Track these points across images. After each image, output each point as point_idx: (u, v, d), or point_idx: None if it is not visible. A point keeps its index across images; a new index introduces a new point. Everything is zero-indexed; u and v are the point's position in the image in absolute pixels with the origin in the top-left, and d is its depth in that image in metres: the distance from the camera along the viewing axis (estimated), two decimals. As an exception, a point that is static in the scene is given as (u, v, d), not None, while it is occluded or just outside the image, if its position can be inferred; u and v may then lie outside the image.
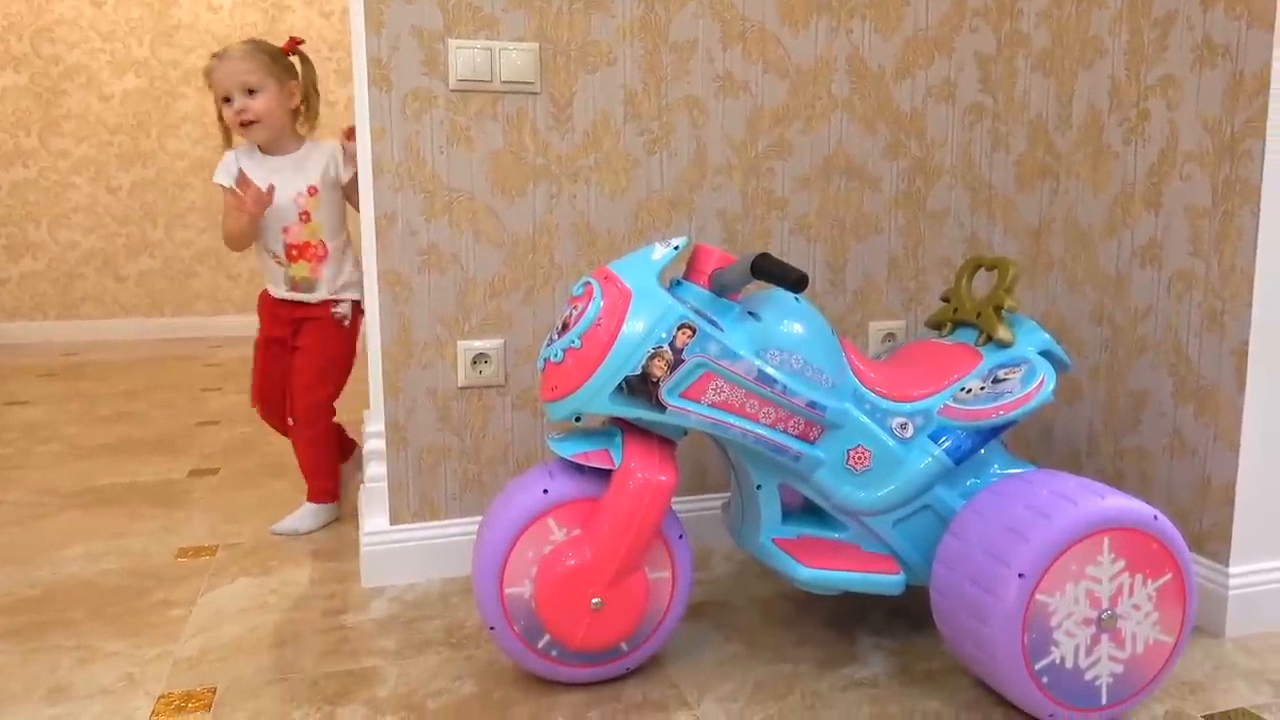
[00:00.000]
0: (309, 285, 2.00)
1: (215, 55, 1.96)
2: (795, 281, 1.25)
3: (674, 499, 1.88)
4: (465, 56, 1.67)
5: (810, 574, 1.36)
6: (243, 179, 1.90)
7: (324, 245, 1.99)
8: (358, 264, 2.01)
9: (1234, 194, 1.49)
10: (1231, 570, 1.53)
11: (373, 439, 1.78)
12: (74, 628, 1.57)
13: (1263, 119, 1.44)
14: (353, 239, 1.99)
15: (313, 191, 1.97)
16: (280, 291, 2.02)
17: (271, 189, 1.92)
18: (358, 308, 2.04)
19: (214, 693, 1.37)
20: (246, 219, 1.92)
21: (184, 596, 1.70)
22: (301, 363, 2.02)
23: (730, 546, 1.93)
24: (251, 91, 1.92)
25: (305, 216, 1.97)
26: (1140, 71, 1.66)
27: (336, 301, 2.02)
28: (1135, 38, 1.66)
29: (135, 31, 4.50)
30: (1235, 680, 1.41)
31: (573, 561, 1.30)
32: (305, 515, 2.04)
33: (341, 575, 1.80)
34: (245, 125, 1.94)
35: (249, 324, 5.11)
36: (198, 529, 2.05)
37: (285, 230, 1.98)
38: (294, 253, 1.99)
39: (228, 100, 1.93)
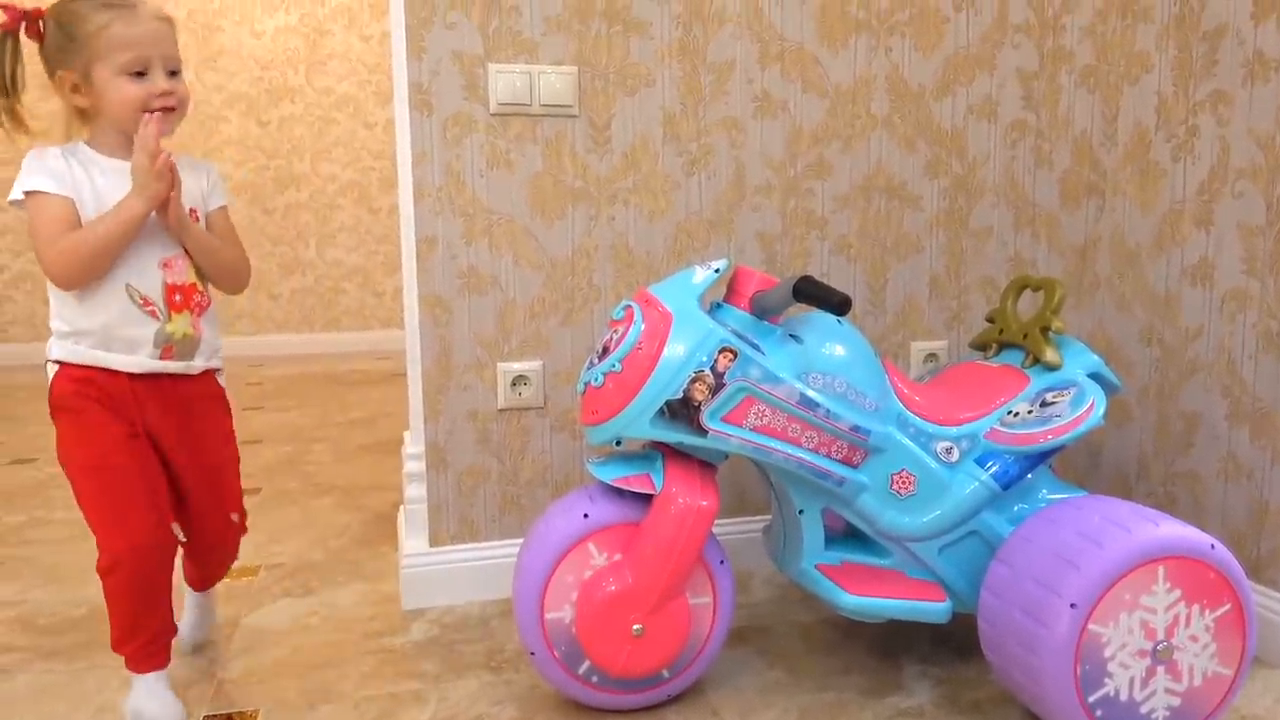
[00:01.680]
0: (188, 349, 1.34)
1: (118, 4, 1.25)
2: (839, 304, 1.24)
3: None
4: (505, 81, 1.68)
5: (855, 601, 1.34)
6: (151, 135, 1.23)
7: (207, 293, 1.37)
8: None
9: (1289, 211, 1.45)
10: (1291, 599, 1.48)
11: (413, 460, 1.78)
12: (120, 648, 1.59)
13: (1319, 135, 1.40)
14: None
15: (194, 216, 1.35)
16: (144, 360, 1.29)
17: (175, 169, 1.27)
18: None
19: (257, 715, 1.38)
20: (141, 209, 1.23)
21: (228, 617, 1.71)
22: (215, 463, 1.42)
23: (771, 570, 1.91)
24: (173, 73, 1.29)
25: (186, 252, 1.33)
26: (1189, 87, 1.62)
27: (218, 370, 1.42)
28: (1183, 52, 1.63)
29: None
30: (1297, 713, 1.36)
31: (613, 587, 1.29)
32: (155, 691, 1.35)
33: (382, 597, 1.81)
34: (165, 113, 1.26)
35: (291, 343, 5.13)
36: (240, 549, 2.07)
37: (166, 265, 1.30)
38: (176, 298, 1.30)
39: (140, 74, 1.24)
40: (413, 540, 1.78)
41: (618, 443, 1.30)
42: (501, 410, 1.77)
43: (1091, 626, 1.16)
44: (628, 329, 1.28)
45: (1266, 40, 1.48)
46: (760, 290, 1.32)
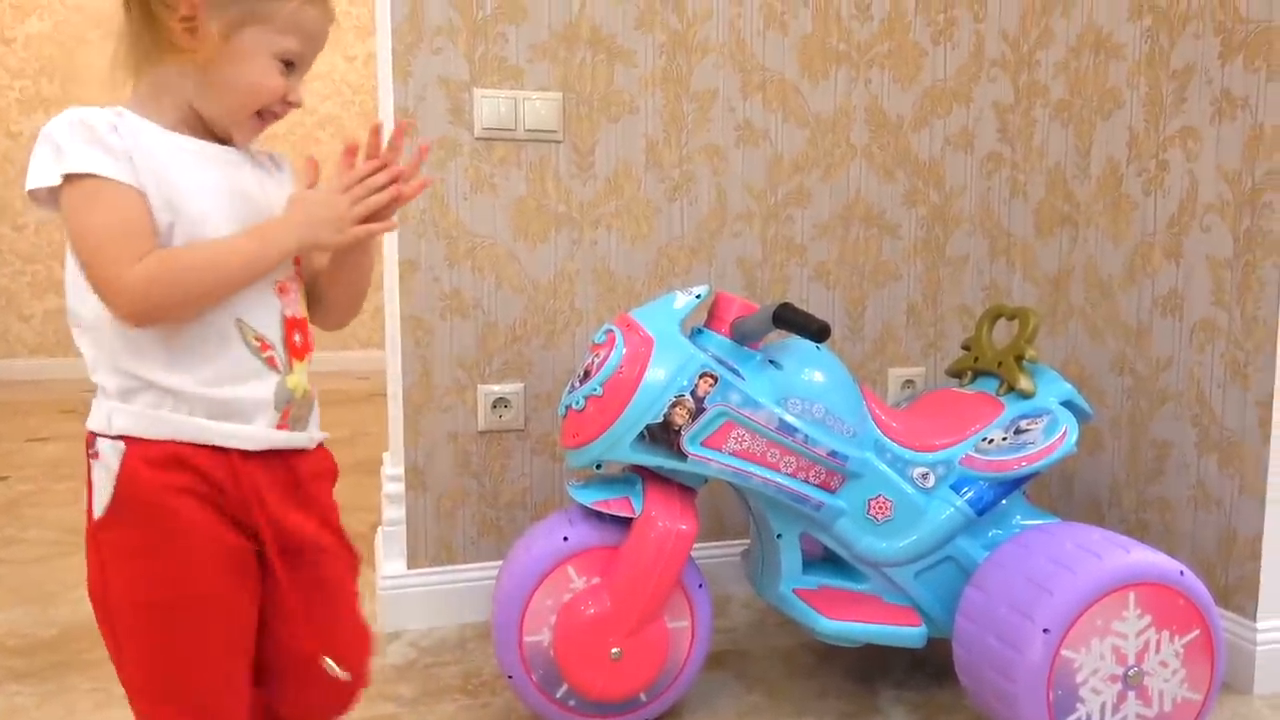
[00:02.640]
0: (305, 413, 0.95)
1: None
2: (817, 332, 1.25)
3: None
4: (490, 106, 1.70)
5: (832, 626, 1.35)
6: (396, 130, 0.96)
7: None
8: None
9: (1256, 245, 1.49)
10: (1259, 625, 1.51)
11: (391, 482, 1.78)
12: (92, 669, 1.57)
13: (1283, 171, 1.44)
14: None
15: None
16: (263, 431, 0.89)
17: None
18: None
19: (230, 739, 1.36)
20: (292, 250, 0.90)
21: (201, 639, 1.70)
22: (327, 576, 0.95)
23: (749, 594, 1.91)
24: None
25: (298, 272, 0.96)
26: (1159, 123, 1.67)
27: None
28: (1154, 89, 1.67)
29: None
30: (1266, 739, 1.38)
31: (592, 610, 1.29)
32: None
33: (358, 619, 1.79)
34: (276, 116, 0.92)
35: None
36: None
37: (282, 290, 0.92)
38: (295, 338, 0.93)
39: (288, 65, 0.89)
40: (390, 562, 1.77)
41: (598, 466, 1.31)
42: (482, 432, 1.78)
43: (1064, 652, 1.18)
44: (609, 353, 1.29)
45: (1233, 80, 1.52)
46: (740, 316, 1.33)
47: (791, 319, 1.27)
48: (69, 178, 0.81)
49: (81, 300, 0.85)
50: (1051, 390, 1.43)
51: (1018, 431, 1.38)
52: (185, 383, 0.85)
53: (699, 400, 1.26)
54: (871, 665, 1.60)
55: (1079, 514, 1.86)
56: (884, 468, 1.37)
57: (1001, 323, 1.84)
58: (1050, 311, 1.94)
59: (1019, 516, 1.42)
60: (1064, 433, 1.35)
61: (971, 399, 1.49)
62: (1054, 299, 1.93)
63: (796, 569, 1.40)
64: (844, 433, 1.34)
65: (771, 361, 1.35)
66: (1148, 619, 1.20)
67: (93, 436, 0.85)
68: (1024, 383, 1.44)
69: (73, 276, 0.86)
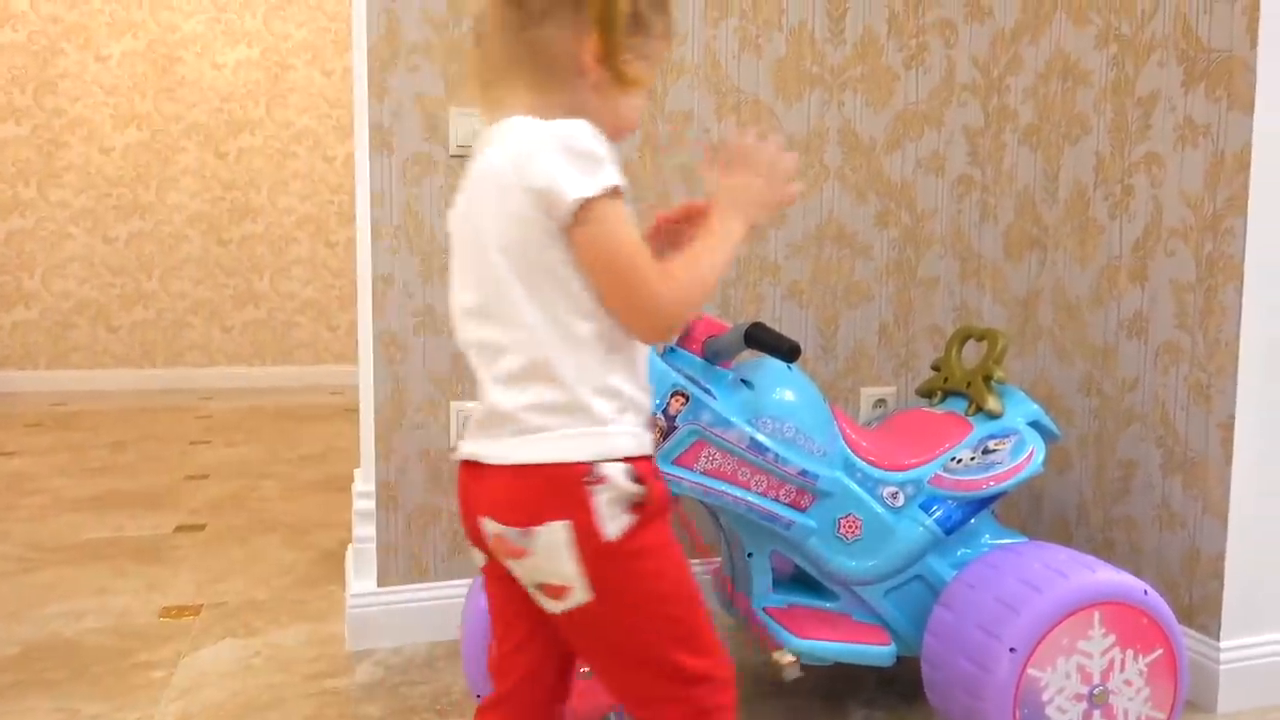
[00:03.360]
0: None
1: None
2: (788, 351, 1.26)
3: (664, 563, 1.87)
4: (466, 124, 1.71)
5: (801, 644, 1.35)
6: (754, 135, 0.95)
7: None
8: None
9: (1218, 270, 1.52)
10: (1222, 644, 1.53)
11: (362, 499, 1.77)
12: (54, 688, 1.54)
13: (1244, 197, 1.48)
14: None
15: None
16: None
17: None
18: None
19: (194, 760, 1.35)
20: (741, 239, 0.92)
21: (166, 658, 1.68)
22: None
23: (721, 613, 1.91)
24: None
25: None
26: (1125, 148, 1.70)
27: None
28: (1119, 116, 1.71)
29: (139, 86, 4.56)
30: (1229, 757, 1.40)
31: (562, 629, 1.29)
32: None
33: (327, 638, 1.78)
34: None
35: (242, 376, 5.06)
36: (183, 587, 2.03)
37: None
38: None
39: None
40: (360, 580, 1.76)
41: (569, 484, 1.31)
42: (454, 449, 1.77)
43: (1030, 670, 1.19)
44: (581, 371, 1.29)
45: (1195, 107, 1.55)
46: (712, 335, 1.34)
47: (763, 338, 1.27)
48: (608, 191, 0.79)
49: (574, 319, 0.82)
50: (1019, 410, 1.45)
51: (986, 451, 1.39)
52: (642, 398, 0.87)
53: (670, 419, 1.27)
54: (841, 684, 1.61)
55: (1047, 533, 1.88)
56: (854, 487, 1.38)
57: (971, 343, 1.86)
58: (1019, 333, 1.97)
59: (987, 536, 1.43)
60: (1031, 453, 1.36)
61: (941, 419, 1.51)
62: (1023, 320, 1.96)
63: (767, 587, 1.41)
64: (814, 452, 1.35)
65: (743, 381, 1.35)
66: (1112, 638, 1.22)
67: (587, 467, 0.82)
68: (992, 403, 1.45)
69: (565, 294, 0.82)
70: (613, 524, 0.83)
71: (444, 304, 1.74)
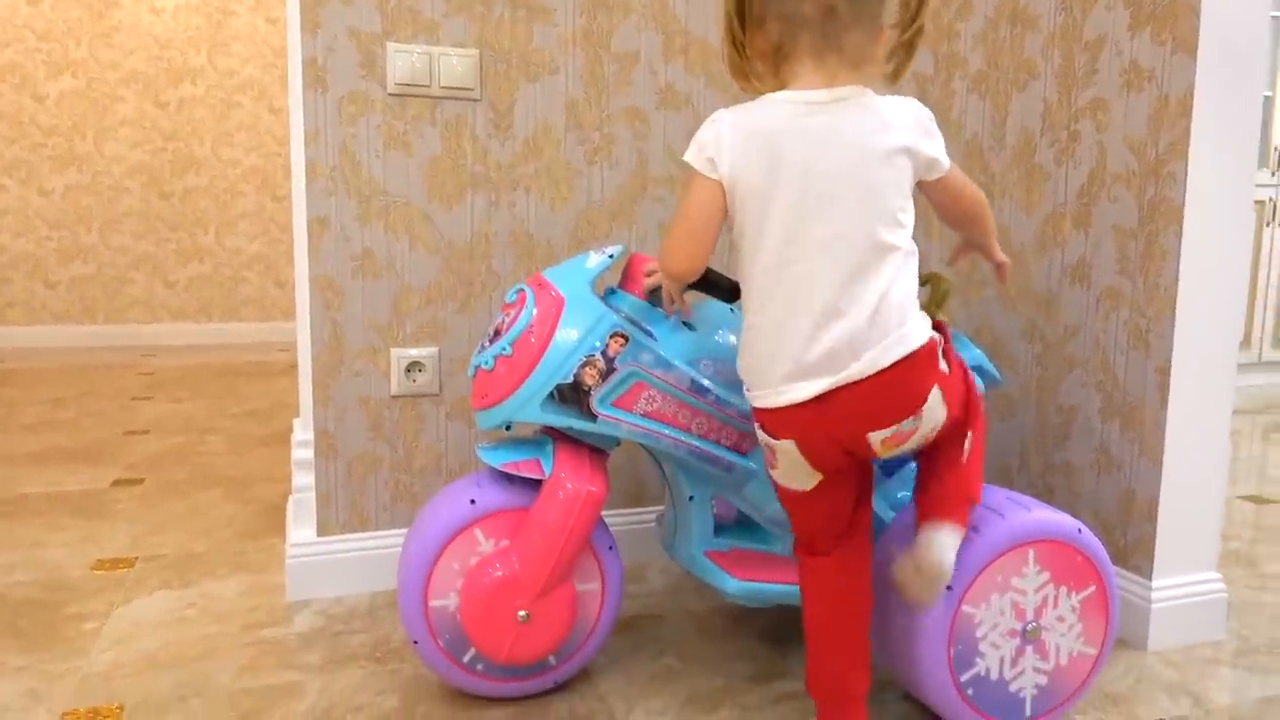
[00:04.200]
0: None
1: None
2: (729, 291, 1.25)
3: (610, 511, 1.87)
4: (404, 61, 1.65)
5: (739, 586, 1.35)
6: None
7: None
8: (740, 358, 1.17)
9: (1159, 215, 1.53)
10: (1155, 584, 1.55)
11: (301, 448, 1.73)
12: (-23, 642, 1.50)
13: (1185, 142, 1.48)
14: None
15: None
16: None
17: None
18: None
19: (122, 709, 1.32)
20: None
21: (98, 610, 1.64)
22: None
23: (667, 560, 1.91)
24: None
25: None
26: (1071, 94, 1.69)
27: None
28: (1067, 61, 1.70)
29: (73, 32, 4.39)
30: (1157, 692, 1.43)
31: (500, 573, 1.27)
32: None
33: (267, 588, 1.75)
34: None
35: (187, 332, 4.97)
36: (119, 540, 1.98)
37: None
38: None
39: None
40: (300, 529, 1.73)
41: (508, 427, 1.29)
42: (395, 397, 1.74)
43: (965, 608, 1.19)
44: (519, 312, 1.26)
45: (1141, 51, 1.55)
46: (647, 271, 1.31)
47: (704, 280, 1.26)
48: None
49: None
50: (962, 355, 1.44)
51: (925, 393, 1.39)
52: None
53: (610, 360, 1.25)
54: (785, 628, 1.62)
55: (991, 478, 1.90)
56: (796, 430, 1.37)
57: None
58: (966, 280, 1.97)
59: (927, 478, 1.43)
60: (970, 394, 1.36)
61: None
62: (970, 268, 1.96)
63: (708, 531, 1.40)
64: (755, 394, 1.33)
65: (685, 323, 1.33)
66: (1046, 575, 1.23)
67: (932, 340, 1.09)
68: (934, 346, 1.45)
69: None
70: (943, 364, 1.11)
71: (383, 248, 1.69)
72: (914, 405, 1.06)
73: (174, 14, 4.52)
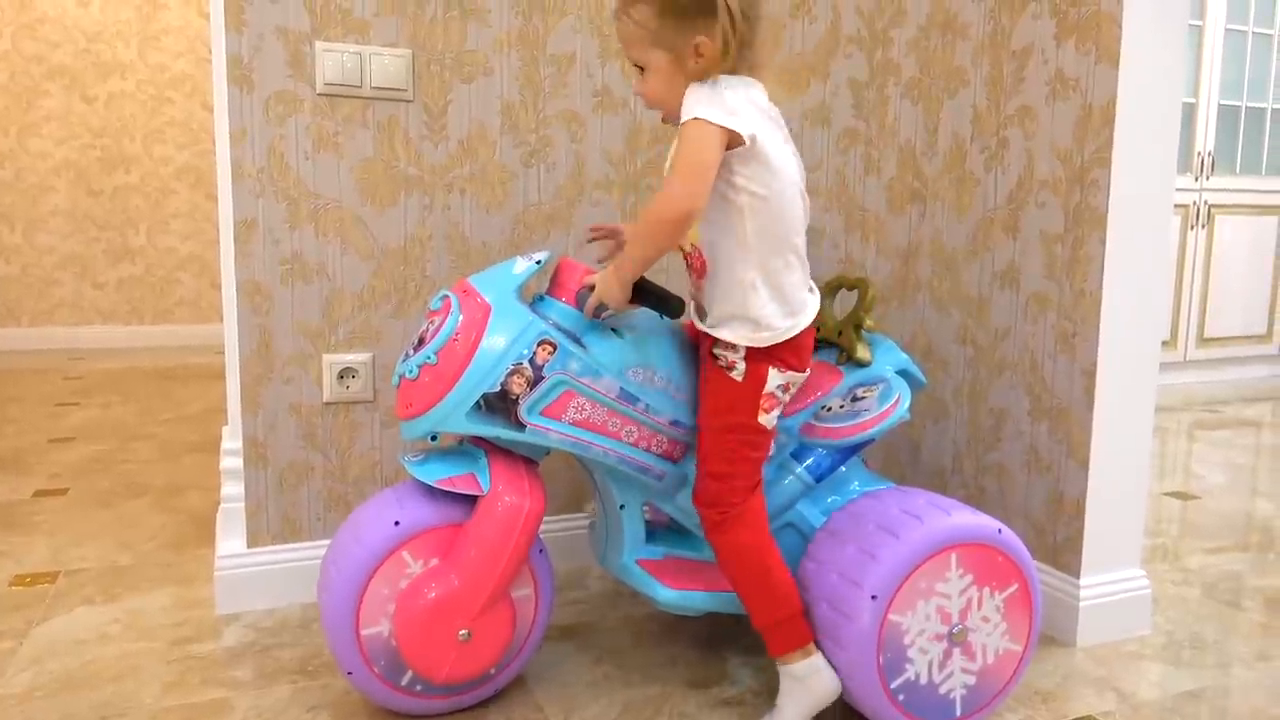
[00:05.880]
0: (697, 308, 1.35)
1: None
2: (675, 308, 1.25)
3: (548, 517, 1.85)
4: (333, 60, 1.62)
5: (672, 595, 1.35)
6: None
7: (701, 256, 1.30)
8: (773, 298, 1.27)
9: (1084, 221, 1.56)
10: (1082, 582, 1.59)
11: (230, 457, 1.69)
12: (-117, 665, 1.44)
13: (1109, 150, 1.51)
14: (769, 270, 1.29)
15: None
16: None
17: None
18: (756, 357, 1.28)
19: (36, 733, 1.27)
20: None
21: (16, 627, 1.58)
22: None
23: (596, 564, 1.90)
24: (641, 68, 1.26)
25: None
26: (1000, 101, 1.72)
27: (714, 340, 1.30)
28: (995, 69, 1.72)
29: (-5, 23, 4.23)
30: (1084, 688, 1.46)
31: (435, 594, 1.24)
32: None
33: (194, 602, 1.70)
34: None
35: (117, 335, 4.81)
36: (39, 554, 1.92)
37: None
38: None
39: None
40: (229, 541, 1.68)
41: (433, 438, 1.26)
42: (327, 404, 1.70)
43: (892, 616, 1.21)
44: (444, 319, 1.24)
45: (1066, 60, 1.58)
46: (585, 284, 1.30)
47: (649, 293, 1.26)
48: None
49: None
50: (888, 359, 1.46)
51: (854, 399, 1.40)
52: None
53: (537, 369, 1.23)
54: (720, 634, 1.62)
55: (924, 480, 1.93)
56: (729, 436, 1.37)
57: (845, 294, 1.87)
58: (900, 284, 1.99)
59: (857, 483, 1.44)
60: (896, 400, 1.37)
61: (813, 368, 1.51)
62: (904, 272, 1.98)
63: (639, 539, 1.40)
64: (686, 401, 1.33)
65: (613, 330, 1.32)
66: (969, 578, 1.25)
67: None
68: (861, 351, 1.46)
69: None
70: None
71: (314, 252, 1.66)
72: None
73: (101, 6, 4.38)
